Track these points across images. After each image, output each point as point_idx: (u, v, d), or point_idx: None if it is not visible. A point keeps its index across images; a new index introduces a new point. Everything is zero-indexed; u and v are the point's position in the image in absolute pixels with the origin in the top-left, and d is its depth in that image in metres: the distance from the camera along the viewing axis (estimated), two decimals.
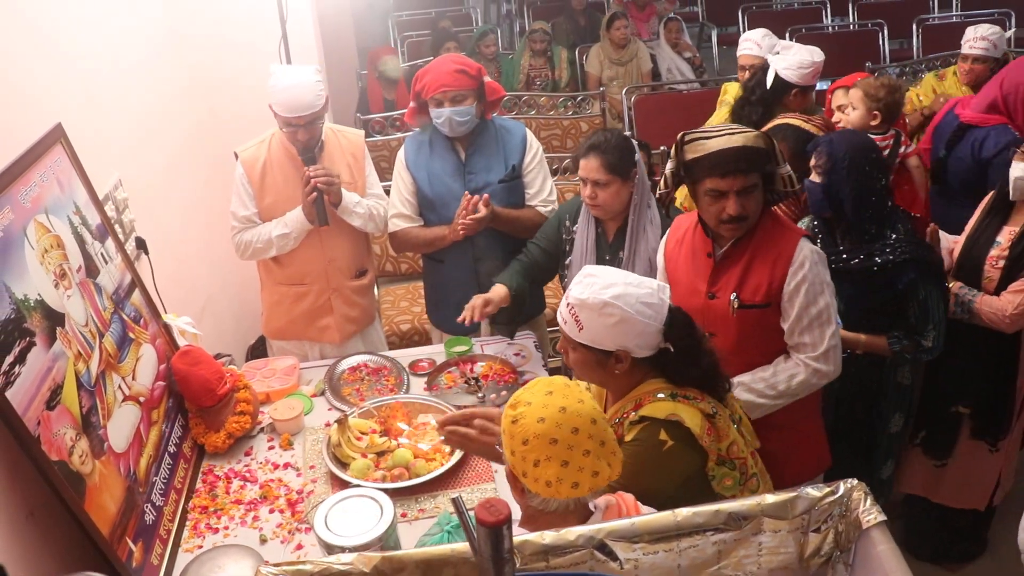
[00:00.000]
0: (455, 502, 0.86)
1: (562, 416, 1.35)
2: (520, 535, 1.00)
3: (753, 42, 3.53)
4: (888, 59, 6.48)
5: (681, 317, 1.70)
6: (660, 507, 1.51)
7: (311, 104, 2.56)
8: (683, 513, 1.05)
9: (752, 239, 2.06)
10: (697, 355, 1.69)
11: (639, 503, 1.53)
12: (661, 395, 1.66)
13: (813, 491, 1.09)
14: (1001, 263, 2.42)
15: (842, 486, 1.09)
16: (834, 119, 3.28)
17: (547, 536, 0.99)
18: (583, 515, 1.43)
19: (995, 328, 2.40)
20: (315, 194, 2.59)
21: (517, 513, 1.52)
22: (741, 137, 1.96)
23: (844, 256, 2.35)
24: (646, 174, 2.58)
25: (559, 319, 1.74)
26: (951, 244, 2.62)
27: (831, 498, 1.08)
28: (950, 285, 2.48)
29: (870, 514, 1.06)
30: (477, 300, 2.55)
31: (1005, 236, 2.44)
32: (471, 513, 0.79)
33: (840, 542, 1.09)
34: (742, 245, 2.07)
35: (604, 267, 1.75)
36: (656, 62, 6.16)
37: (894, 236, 2.31)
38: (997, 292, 2.42)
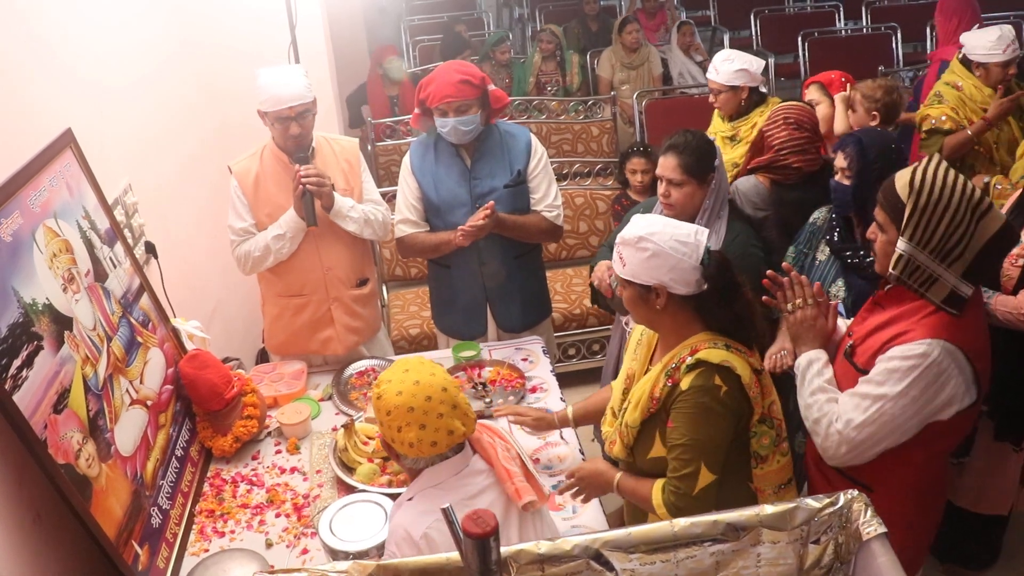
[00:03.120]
0: (445, 512, 0.86)
1: (416, 388, 1.59)
2: (516, 545, 0.99)
3: (713, 67, 3.32)
4: (902, 63, 6.43)
5: (718, 258, 1.80)
6: (714, 467, 1.76)
7: (301, 95, 2.55)
8: (680, 523, 1.04)
9: (907, 305, 1.82)
10: (732, 296, 1.80)
11: (504, 434, 1.78)
12: (716, 344, 1.78)
13: (812, 502, 1.08)
14: (1021, 261, 2.38)
15: (842, 497, 1.07)
16: None
17: (542, 546, 0.99)
18: (460, 463, 1.65)
19: (1011, 327, 2.36)
20: (301, 188, 2.55)
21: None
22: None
23: (861, 252, 2.35)
24: (725, 182, 2.55)
25: (612, 262, 1.87)
26: None
27: (831, 509, 1.07)
28: None
29: (870, 525, 1.04)
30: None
31: None
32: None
33: (840, 554, 1.08)
34: (896, 301, 1.85)
35: (651, 214, 1.88)
36: (668, 66, 6.14)
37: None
38: (1015, 291, 2.37)
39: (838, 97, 3.11)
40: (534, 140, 2.85)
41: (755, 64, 3.28)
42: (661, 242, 1.74)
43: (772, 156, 2.75)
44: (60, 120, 2.13)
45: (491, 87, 2.73)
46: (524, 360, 2.82)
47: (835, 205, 2.47)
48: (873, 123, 3.09)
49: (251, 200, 2.69)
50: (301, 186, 2.55)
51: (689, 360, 1.77)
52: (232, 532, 2.15)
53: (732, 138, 3.39)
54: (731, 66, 3.25)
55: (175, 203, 3.04)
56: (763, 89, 3.36)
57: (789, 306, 2.00)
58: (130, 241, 2.47)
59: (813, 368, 1.94)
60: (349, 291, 2.83)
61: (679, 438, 1.77)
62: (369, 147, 4.99)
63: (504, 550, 0.95)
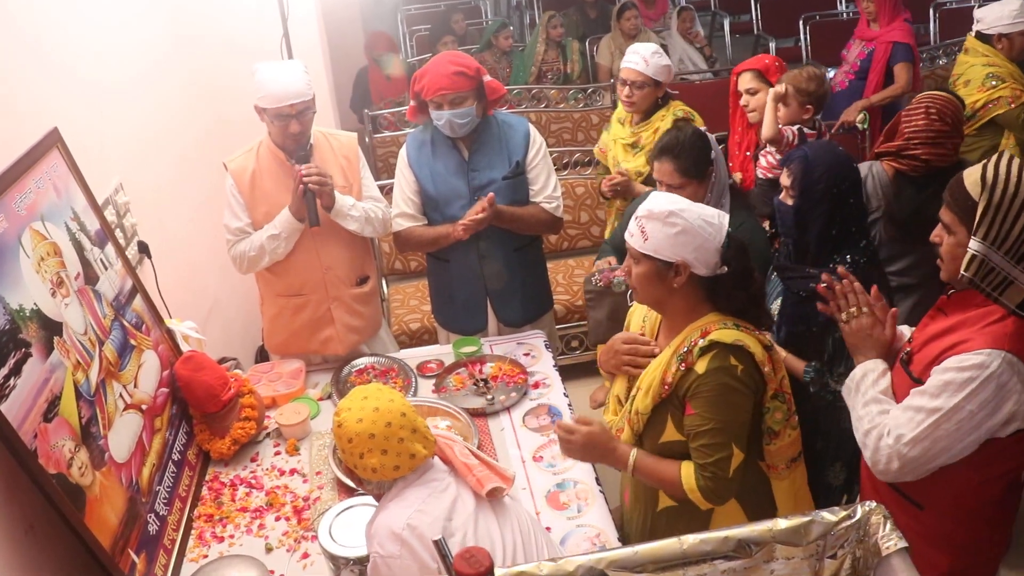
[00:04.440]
0: (437, 545, 0.82)
1: (376, 415, 1.62)
2: (515, 567, 0.95)
3: (641, 57, 3.16)
4: None
5: (737, 242, 1.81)
6: (741, 445, 1.77)
7: (301, 92, 2.49)
8: (689, 540, 1.00)
9: (971, 312, 1.68)
10: (748, 280, 1.82)
11: (453, 436, 1.82)
12: (726, 324, 1.79)
13: (828, 515, 1.03)
14: None
15: (859, 509, 1.03)
16: (741, 102, 3.20)
17: (545, 567, 0.95)
18: (423, 468, 1.67)
19: None
20: (302, 188, 2.50)
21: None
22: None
23: (788, 275, 2.23)
24: (724, 171, 2.50)
25: (627, 236, 1.84)
26: None
27: (848, 522, 1.02)
28: None
29: (890, 540, 1.00)
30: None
31: None
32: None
33: (858, 569, 1.04)
34: (960, 307, 1.71)
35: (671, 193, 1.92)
36: (667, 52, 6.07)
37: (835, 266, 2.06)
38: None
39: (771, 94, 2.98)
40: (532, 130, 2.80)
41: (673, 65, 3.26)
42: (690, 219, 1.74)
43: (901, 143, 2.62)
44: (54, 120, 2.09)
45: (486, 78, 2.67)
46: (526, 355, 2.77)
47: (779, 226, 2.32)
48: (806, 116, 3.00)
49: (247, 198, 2.63)
50: (302, 186, 2.50)
51: (702, 343, 1.77)
52: (231, 537, 2.12)
53: (633, 145, 3.29)
54: (661, 60, 3.16)
55: (172, 201, 2.99)
56: (674, 92, 3.29)
57: (844, 315, 1.89)
58: (122, 242, 2.42)
59: (868, 379, 1.82)
60: (349, 290, 2.78)
61: (704, 423, 1.76)
62: (367, 139, 4.93)
63: (504, 572, 0.91)
